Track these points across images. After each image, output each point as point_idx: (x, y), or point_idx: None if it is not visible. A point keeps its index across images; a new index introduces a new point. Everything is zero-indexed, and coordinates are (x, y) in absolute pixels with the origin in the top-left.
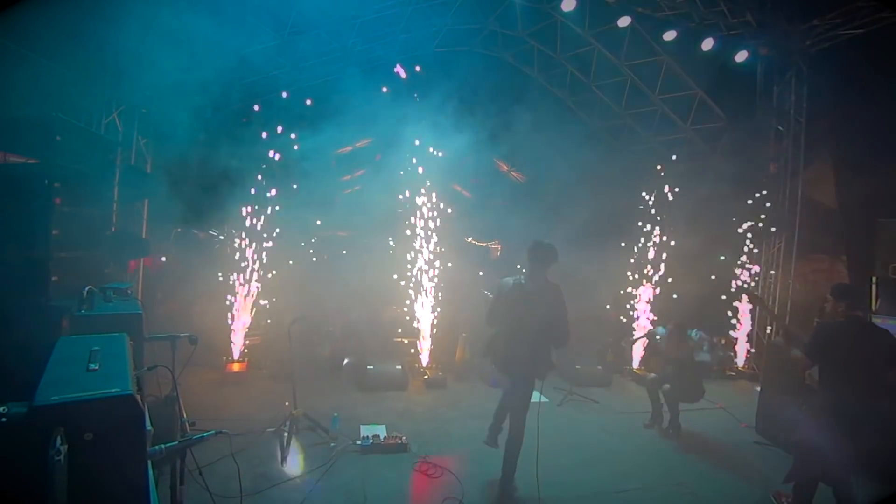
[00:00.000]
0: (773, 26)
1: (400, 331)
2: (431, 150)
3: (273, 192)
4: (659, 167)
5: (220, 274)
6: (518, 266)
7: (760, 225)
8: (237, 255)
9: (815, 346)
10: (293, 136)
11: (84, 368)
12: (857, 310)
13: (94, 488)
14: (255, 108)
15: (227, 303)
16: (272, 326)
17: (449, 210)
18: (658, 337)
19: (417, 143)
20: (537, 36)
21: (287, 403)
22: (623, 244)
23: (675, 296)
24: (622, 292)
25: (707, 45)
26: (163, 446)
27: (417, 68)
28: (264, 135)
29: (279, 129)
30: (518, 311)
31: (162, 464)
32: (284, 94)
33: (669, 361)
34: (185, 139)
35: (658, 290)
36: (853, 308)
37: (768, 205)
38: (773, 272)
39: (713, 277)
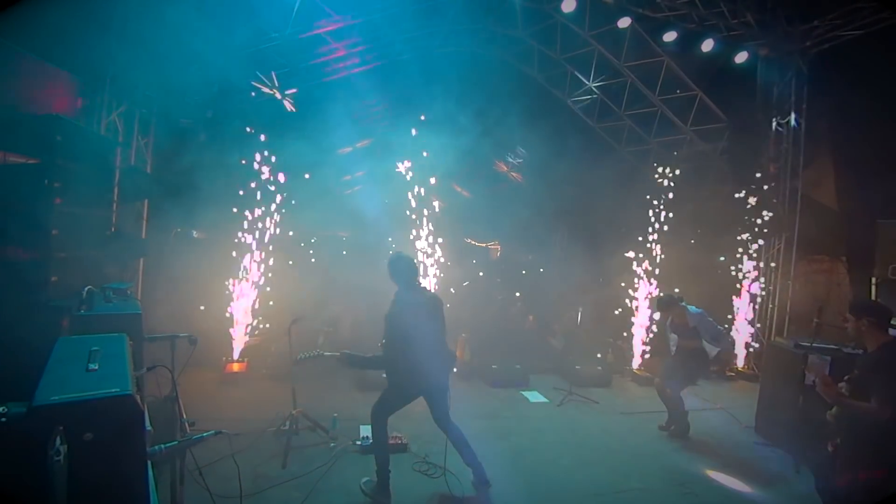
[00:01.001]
0: (773, 27)
1: None
2: (430, 150)
3: (268, 177)
4: (659, 168)
5: (220, 274)
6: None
7: (763, 229)
8: (237, 256)
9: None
10: (293, 136)
11: (84, 368)
12: (884, 326)
13: (94, 488)
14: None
15: (227, 303)
16: (272, 326)
17: (448, 210)
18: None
19: (416, 143)
20: (537, 36)
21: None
22: (622, 244)
23: None
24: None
25: (707, 45)
26: (163, 446)
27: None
28: (263, 137)
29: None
30: (417, 326)
31: (162, 464)
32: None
33: (672, 328)
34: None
35: (657, 290)
36: (879, 325)
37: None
38: (773, 272)
39: (713, 277)
